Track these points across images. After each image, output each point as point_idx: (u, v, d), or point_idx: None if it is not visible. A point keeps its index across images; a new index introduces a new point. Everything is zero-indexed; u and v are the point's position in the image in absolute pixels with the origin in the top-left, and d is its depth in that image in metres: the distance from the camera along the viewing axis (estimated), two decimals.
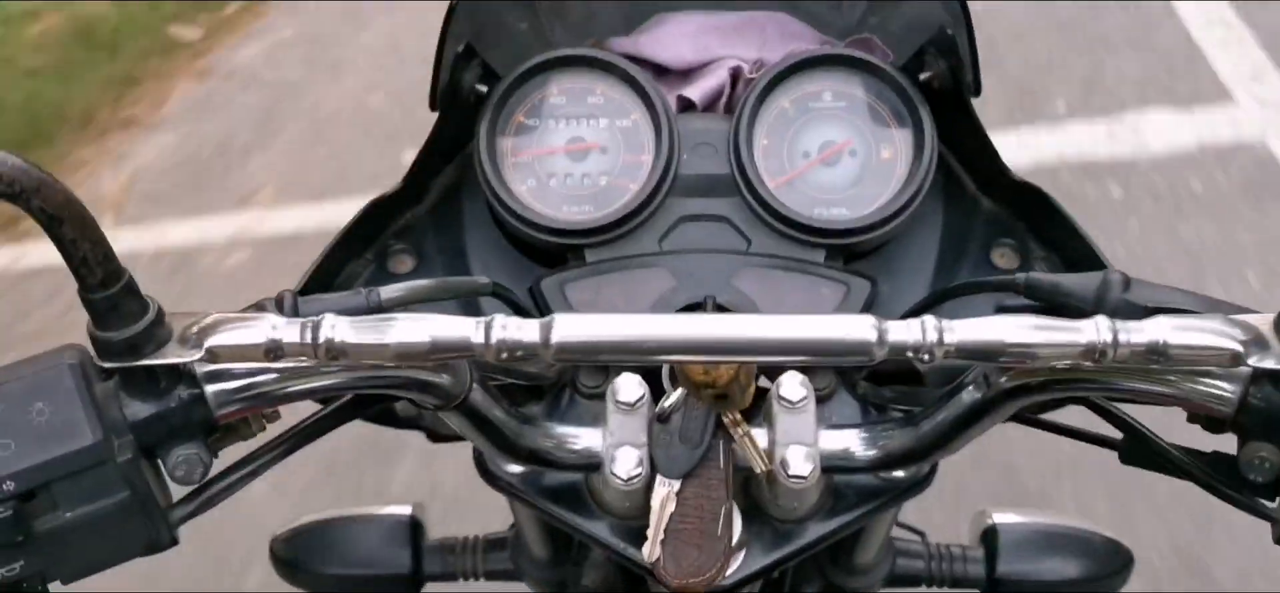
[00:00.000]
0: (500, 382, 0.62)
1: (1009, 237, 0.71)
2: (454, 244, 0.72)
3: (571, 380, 0.63)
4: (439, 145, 0.70)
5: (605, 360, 0.47)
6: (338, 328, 0.46)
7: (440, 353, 0.46)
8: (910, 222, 0.68)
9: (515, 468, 0.62)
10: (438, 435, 0.75)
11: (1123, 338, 0.45)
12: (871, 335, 0.45)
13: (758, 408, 0.59)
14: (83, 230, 0.43)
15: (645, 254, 0.66)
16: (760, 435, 0.58)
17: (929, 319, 0.46)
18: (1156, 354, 0.45)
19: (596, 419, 0.58)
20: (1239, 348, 0.45)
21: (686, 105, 0.72)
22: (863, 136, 0.69)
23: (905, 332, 0.45)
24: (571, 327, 0.46)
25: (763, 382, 0.58)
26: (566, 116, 0.70)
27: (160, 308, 0.46)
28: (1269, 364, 0.45)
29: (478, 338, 0.46)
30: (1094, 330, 0.45)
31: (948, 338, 0.45)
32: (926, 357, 0.45)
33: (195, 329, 0.46)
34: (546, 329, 0.46)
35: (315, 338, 0.45)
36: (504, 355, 0.46)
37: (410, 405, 0.61)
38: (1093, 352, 0.45)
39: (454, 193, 0.73)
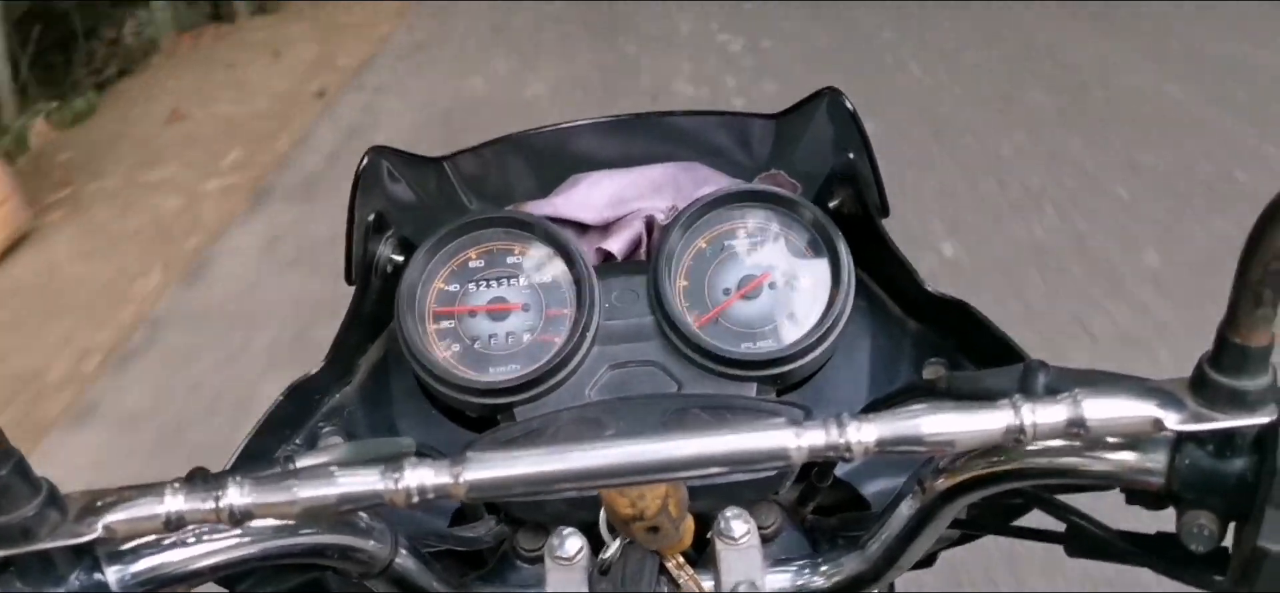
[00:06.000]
0: (435, 549, 0.60)
1: (938, 355, 0.71)
2: (385, 420, 0.71)
3: (511, 546, 0.61)
4: (359, 319, 0.70)
5: (518, 496, 0.46)
6: (242, 490, 0.44)
7: (350, 504, 0.44)
8: (836, 348, 0.68)
9: None
10: None
11: (1040, 414, 0.44)
12: (789, 438, 0.44)
13: (702, 552, 0.58)
14: None
15: (575, 407, 0.66)
16: (707, 580, 0.56)
17: (845, 416, 0.45)
18: (1075, 426, 0.44)
19: (540, 582, 0.57)
20: (1156, 413, 0.44)
21: (606, 257, 0.73)
22: (780, 269, 0.70)
23: (821, 430, 0.44)
24: (483, 464, 0.45)
25: (708, 530, 0.57)
26: (486, 279, 0.70)
27: (53, 486, 0.44)
28: (1189, 426, 0.44)
29: (387, 485, 0.44)
30: (1011, 411, 0.45)
31: (865, 432, 0.44)
32: (847, 454, 0.44)
33: (91, 507, 0.44)
34: (458, 468, 0.44)
35: (218, 502, 0.44)
36: (415, 500, 0.44)
37: (337, 579, 0.58)
38: (1012, 432, 0.44)
39: (381, 368, 0.72)
